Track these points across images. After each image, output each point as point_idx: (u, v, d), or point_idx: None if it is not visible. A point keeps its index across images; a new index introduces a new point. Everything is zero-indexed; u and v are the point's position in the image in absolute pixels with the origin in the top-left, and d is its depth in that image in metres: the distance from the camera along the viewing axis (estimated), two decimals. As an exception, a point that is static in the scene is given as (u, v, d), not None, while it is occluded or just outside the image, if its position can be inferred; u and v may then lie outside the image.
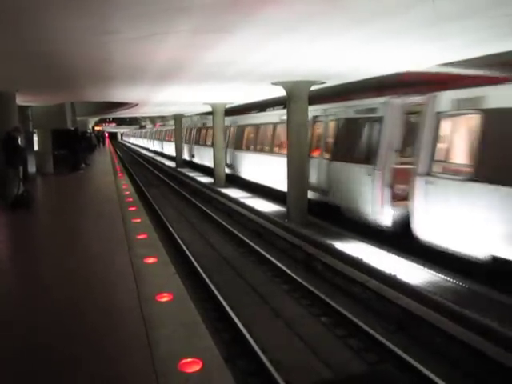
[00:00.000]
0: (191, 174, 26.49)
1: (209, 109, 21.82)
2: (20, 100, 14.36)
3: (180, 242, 11.33)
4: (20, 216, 10.51)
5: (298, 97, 12.33)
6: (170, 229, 12.70)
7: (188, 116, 34.14)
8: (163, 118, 45.37)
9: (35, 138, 19.08)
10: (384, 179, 10.19)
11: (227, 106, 21.23)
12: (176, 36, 6.56)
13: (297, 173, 12.64)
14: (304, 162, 12.61)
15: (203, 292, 8.11)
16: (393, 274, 7.82)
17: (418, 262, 8.86)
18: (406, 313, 6.63)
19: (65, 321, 4.71)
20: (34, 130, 18.95)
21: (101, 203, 12.18)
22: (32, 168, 16.50)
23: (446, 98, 8.74)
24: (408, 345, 6.05)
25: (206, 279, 8.51)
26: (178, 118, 32.03)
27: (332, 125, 12.91)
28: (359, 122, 11.59)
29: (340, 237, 10.91)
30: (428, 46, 7.76)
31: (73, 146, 20.03)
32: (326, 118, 13.31)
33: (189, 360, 3.77)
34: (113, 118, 62.61)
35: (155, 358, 3.82)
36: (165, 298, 5.17)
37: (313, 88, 12.33)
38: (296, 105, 12.43)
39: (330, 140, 12.89)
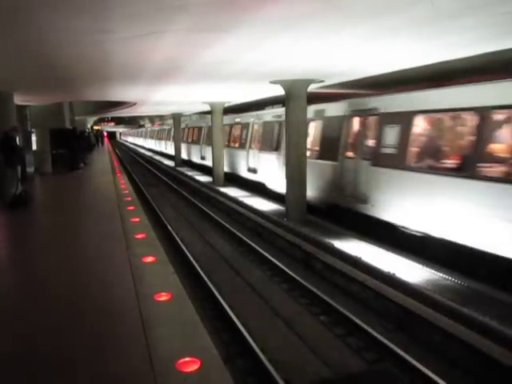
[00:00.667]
0: (190, 173, 26.47)
1: (208, 108, 21.81)
2: (18, 99, 14.34)
3: (179, 241, 11.31)
4: (18, 216, 10.49)
5: (297, 95, 12.30)
6: (169, 228, 12.68)
7: (186, 115, 34.28)
8: (162, 118, 45.42)
9: (33, 138, 19.05)
10: (282, 160, 14.80)
11: (226, 105, 21.27)
12: (172, 35, 6.53)
13: (295, 172, 12.62)
14: (302, 161, 12.58)
15: (202, 291, 8.09)
16: (392, 272, 7.82)
17: (417, 261, 8.87)
18: (405, 311, 6.62)
19: (63, 320, 4.69)
20: (32, 130, 18.92)
21: (99, 203, 12.16)
22: (30, 168, 16.49)
23: (311, 109, 13.66)
24: (407, 343, 6.05)
25: (205, 278, 8.49)
26: (176, 118, 31.97)
27: (261, 125, 18.34)
28: (273, 124, 17.01)
29: (339, 235, 10.90)
30: (427, 44, 7.74)
31: (71, 146, 19.99)
32: (258, 120, 18.72)
33: (187, 359, 3.75)
34: (111, 118, 62.52)
35: (153, 357, 3.80)
36: (163, 297, 5.15)
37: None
38: (294, 103, 12.40)
39: (259, 136, 18.51)
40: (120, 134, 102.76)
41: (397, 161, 9.89)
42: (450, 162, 8.83)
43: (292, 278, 8.59)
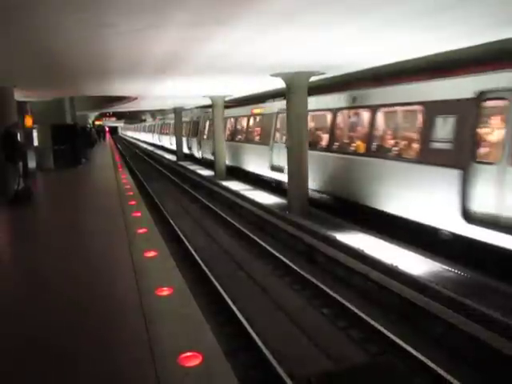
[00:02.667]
0: (192, 168, 26.47)
1: (209, 101, 21.77)
2: (18, 95, 14.29)
3: (180, 234, 11.33)
4: (20, 212, 10.50)
5: (298, 88, 12.24)
6: (171, 222, 12.69)
7: (187, 109, 34.33)
8: (163, 112, 45.37)
9: (35, 134, 19.02)
10: (200, 142, 28.85)
11: (226, 99, 21.27)
12: (172, 28, 6.49)
13: (297, 164, 12.59)
14: (304, 154, 12.55)
15: (204, 285, 8.10)
16: (394, 264, 7.82)
17: (419, 253, 8.87)
18: (408, 303, 6.63)
19: (65, 315, 4.70)
20: (34, 126, 18.85)
21: (101, 198, 12.17)
22: (32, 163, 16.45)
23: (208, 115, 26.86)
24: (409, 334, 6.05)
25: (207, 272, 8.50)
26: (177, 111, 31.95)
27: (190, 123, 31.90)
28: (195, 122, 30.94)
29: (341, 228, 10.89)
30: (427, 35, 7.68)
31: (73, 141, 19.99)
32: (191, 119, 31.81)
33: (189, 354, 3.75)
34: (113, 113, 62.34)
35: (155, 352, 3.81)
36: (165, 291, 5.15)
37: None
38: (295, 96, 12.35)
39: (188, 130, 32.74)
40: (121, 128, 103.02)
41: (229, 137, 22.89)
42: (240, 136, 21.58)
43: (294, 271, 8.59)
